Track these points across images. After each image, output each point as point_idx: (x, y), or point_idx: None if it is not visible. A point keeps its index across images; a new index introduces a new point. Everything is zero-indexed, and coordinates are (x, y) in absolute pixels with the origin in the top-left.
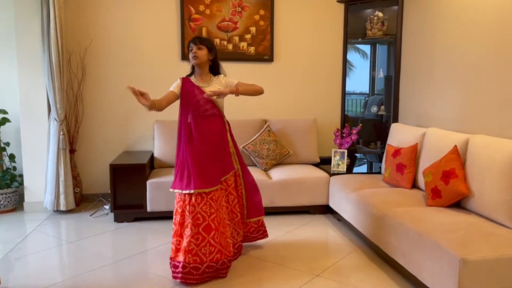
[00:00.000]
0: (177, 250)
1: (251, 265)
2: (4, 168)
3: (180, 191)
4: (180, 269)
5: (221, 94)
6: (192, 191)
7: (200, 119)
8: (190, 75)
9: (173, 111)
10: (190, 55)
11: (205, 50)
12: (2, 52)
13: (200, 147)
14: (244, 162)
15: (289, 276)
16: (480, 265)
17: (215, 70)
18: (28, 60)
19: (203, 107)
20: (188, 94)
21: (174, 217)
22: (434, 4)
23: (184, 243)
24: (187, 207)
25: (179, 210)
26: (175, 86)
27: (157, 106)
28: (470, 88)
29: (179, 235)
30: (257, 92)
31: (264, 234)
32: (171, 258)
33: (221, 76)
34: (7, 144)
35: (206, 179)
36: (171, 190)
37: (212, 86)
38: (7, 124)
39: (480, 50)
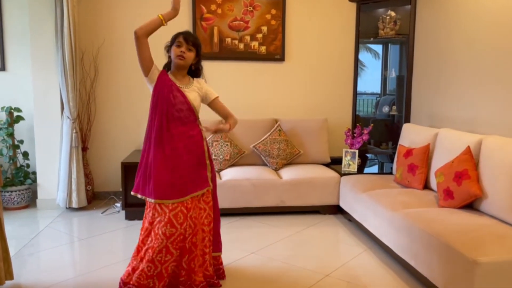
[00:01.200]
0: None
1: (261, 265)
2: (18, 165)
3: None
4: None
5: (222, 131)
6: (152, 200)
7: (172, 119)
8: (166, 68)
9: None
10: (176, 52)
11: (194, 53)
12: (16, 51)
13: (168, 151)
14: (216, 182)
15: (298, 276)
16: (492, 267)
17: (196, 73)
18: (42, 59)
19: (178, 106)
20: (164, 87)
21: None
22: (448, 3)
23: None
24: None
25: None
26: (156, 66)
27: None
28: (483, 88)
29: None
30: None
31: (223, 275)
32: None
33: (202, 80)
34: (21, 141)
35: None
36: (132, 193)
37: (191, 88)
38: (21, 122)
39: (494, 50)
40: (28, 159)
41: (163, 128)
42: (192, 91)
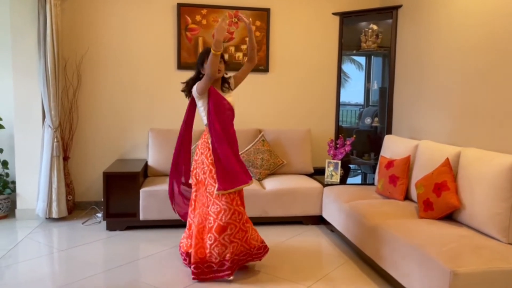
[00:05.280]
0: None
1: (243, 275)
2: None
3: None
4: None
5: (248, 26)
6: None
7: (229, 121)
8: (193, 82)
9: (168, 120)
10: (214, 68)
11: (223, 64)
12: None
13: (231, 147)
14: None
15: (280, 286)
16: (470, 277)
17: (225, 80)
18: (23, 67)
19: (228, 112)
20: (218, 99)
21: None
22: (428, 18)
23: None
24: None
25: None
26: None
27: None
28: (462, 101)
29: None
30: (256, 58)
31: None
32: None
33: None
34: (0, 150)
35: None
36: (232, 189)
37: (228, 94)
38: (1, 130)
39: (472, 64)
40: (7, 168)
41: (224, 130)
42: (230, 96)
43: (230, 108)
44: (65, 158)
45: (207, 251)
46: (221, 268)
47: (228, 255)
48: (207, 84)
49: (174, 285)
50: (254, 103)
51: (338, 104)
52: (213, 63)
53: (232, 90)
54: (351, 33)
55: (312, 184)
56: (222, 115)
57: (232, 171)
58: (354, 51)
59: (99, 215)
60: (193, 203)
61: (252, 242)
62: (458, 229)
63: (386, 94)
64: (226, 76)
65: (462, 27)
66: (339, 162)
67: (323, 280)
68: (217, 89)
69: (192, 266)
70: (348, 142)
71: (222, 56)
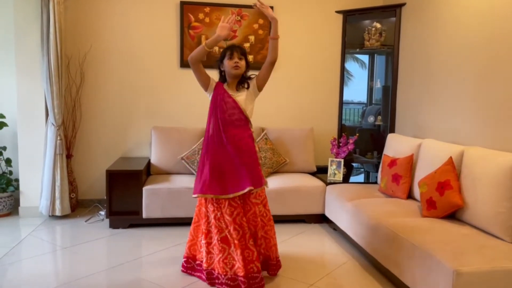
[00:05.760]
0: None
1: None
2: (0, 172)
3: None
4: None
5: (267, 10)
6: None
7: (225, 124)
8: (222, 80)
9: (171, 119)
10: (230, 64)
11: (244, 61)
12: (0, 56)
13: (222, 152)
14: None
15: (282, 285)
16: (473, 277)
17: (244, 79)
18: (27, 65)
19: (229, 111)
20: (218, 96)
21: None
22: (431, 16)
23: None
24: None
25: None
26: (213, 79)
27: (203, 52)
28: (465, 100)
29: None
30: (276, 56)
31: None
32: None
33: (253, 80)
34: (4, 148)
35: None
36: (211, 196)
37: (241, 93)
38: (4, 128)
39: (476, 63)
40: (11, 166)
41: (218, 131)
42: (242, 94)
43: (235, 107)
44: (68, 156)
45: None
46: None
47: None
48: (192, 59)
49: (177, 283)
50: (257, 101)
51: (341, 102)
52: (197, 51)
53: (247, 89)
54: (354, 31)
55: (315, 182)
56: (223, 114)
57: (202, 177)
58: (358, 50)
59: (102, 213)
60: None
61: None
62: (461, 228)
63: (390, 93)
64: (246, 75)
65: (466, 25)
66: (342, 160)
67: (325, 279)
68: (229, 87)
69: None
70: (351, 141)
71: (245, 55)
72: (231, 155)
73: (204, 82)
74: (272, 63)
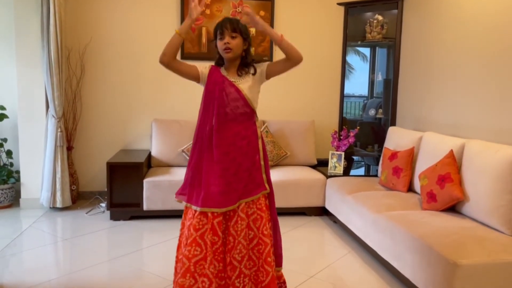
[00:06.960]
0: None
1: None
2: (1, 164)
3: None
4: None
5: (252, 21)
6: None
7: (225, 120)
8: (218, 64)
9: (171, 111)
10: (221, 46)
11: (240, 39)
12: (1, 48)
13: (218, 156)
14: (271, 184)
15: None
16: (472, 269)
17: (246, 62)
18: (27, 57)
19: (234, 103)
20: (216, 86)
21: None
22: (433, 8)
23: None
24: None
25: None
26: (201, 67)
27: (174, 50)
28: (467, 93)
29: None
30: (298, 57)
31: None
32: None
33: (263, 64)
34: (5, 140)
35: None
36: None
37: (245, 79)
38: (5, 120)
39: (478, 55)
40: (11, 157)
41: (214, 131)
42: (246, 82)
43: (239, 98)
44: (69, 148)
45: None
46: None
47: None
48: (166, 56)
49: None
50: None
51: (342, 95)
52: (168, 44)
53: (252, 75)
54: (356, 24)
55: (316, 175)
56: (223, 109)
57: (185, 180)
58: (359, 42)
59: (103, 205)
60: None
61: None
62: (461, 221)
63: (391, 86)
64: (249, 61)
65: (468, 17)
66: (343, 153)
67: (326, 271)
68: (229, 72)
69: None
70: (351, 134)
71: (235, 30)
72: (227, 159)
73: (192, 75)
74: (292, 61)
